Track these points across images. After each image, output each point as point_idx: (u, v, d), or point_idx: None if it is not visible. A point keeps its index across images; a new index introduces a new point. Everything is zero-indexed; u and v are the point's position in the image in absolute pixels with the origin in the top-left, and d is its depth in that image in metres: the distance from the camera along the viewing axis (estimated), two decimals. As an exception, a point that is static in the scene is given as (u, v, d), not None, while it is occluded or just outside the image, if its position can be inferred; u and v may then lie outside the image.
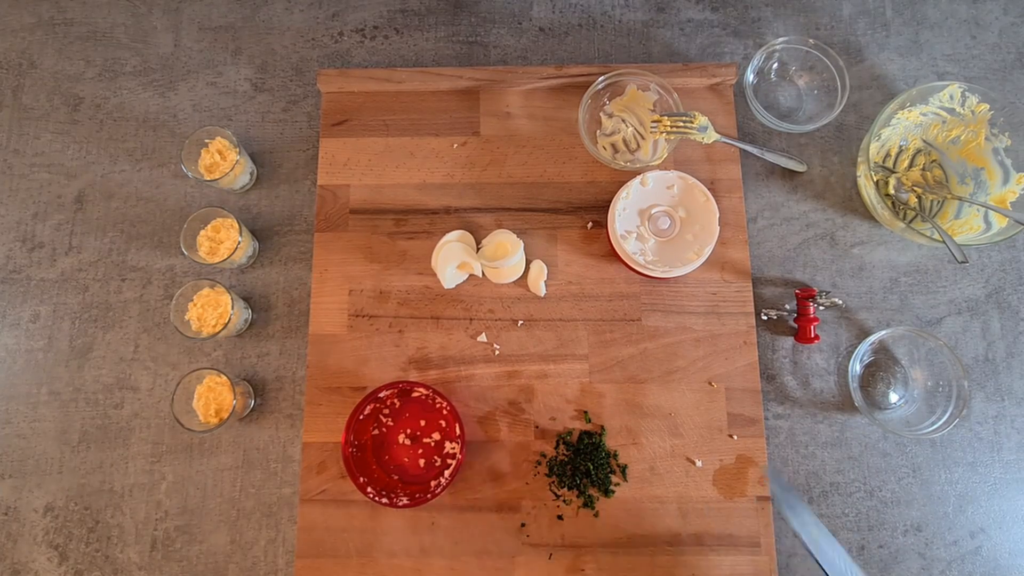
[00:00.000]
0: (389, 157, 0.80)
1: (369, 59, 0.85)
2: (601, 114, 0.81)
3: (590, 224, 0.78)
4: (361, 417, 0.71)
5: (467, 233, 0.76)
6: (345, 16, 0.86)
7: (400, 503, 0.68)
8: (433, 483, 0.69)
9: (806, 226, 0.79)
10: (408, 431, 0.72)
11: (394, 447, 0.72)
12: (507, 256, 0.73)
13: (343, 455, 0.68)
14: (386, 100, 0.81)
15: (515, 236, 0.75)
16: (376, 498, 0.68)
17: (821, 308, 0.75)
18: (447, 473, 0.69)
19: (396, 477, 0.71)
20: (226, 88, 0.84)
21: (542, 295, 0.75)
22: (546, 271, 0.75)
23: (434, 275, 0.76)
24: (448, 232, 0.76)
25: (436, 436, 0.72)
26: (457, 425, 0.69)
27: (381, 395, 0.70)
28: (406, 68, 0.82)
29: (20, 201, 0.81)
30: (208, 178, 0.75)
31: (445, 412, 0.72)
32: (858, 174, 0.78)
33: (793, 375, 0.75)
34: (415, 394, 0.73)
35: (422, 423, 0.72)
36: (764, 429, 0.73)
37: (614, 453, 0.72)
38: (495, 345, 0.75)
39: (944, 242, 0.71)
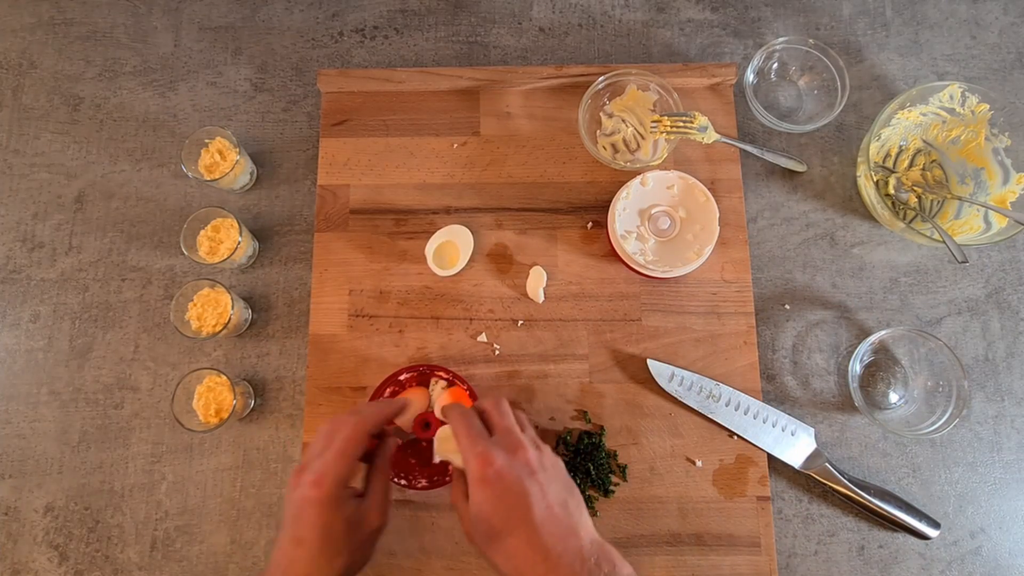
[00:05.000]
0: (389, 157, 0.80)
1: (369, 59, 0.85)
2: (601, 114, 0.81)
3: (590, 224, 0.78)
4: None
5: (463, 228, 0.76)
6: (345, 16, 0.86)
7: (419, 484, 0.68)
8: (451, 467, 0.69)
9: (806, 226, 0.79)
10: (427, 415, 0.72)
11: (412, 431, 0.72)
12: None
13: None
14: (386, 100, 0.81)
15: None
16: (396, 479, 0.68)
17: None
18: None
19: (414, 461, 0.71)
20: (226, 88, 0.84)
21: (540, 301, 0.75)
22: (545, 278, 0.75)
23: (434, 275, 0.76)
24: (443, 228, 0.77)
25: None
26: None
27: (401, 378, 0.71)
28: (406, 68, 0.82)
29: (20, 201, 0.81)
30: (208, 178, 0.75)
31: (465, 397, 0.71)
32: (858, 174, 0.78)
33: (793, 375, 0.75)
34: (435, 379, 0.72)
35: None
36: (764, 429, 0.73)
37: (614, 453, 0.72)
38: (495, 345, 0.75)
39: (944, 242, 0.71)
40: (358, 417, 0.56)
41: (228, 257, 0.73)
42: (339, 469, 0.54)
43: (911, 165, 0.80)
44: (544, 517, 0.50)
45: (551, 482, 0.52)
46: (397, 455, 0.70)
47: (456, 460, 0.57)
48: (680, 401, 0.72)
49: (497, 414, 0.56)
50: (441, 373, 0.71)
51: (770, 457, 0.71)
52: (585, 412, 0.73)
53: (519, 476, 0.51)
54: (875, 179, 0.73)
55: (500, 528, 0.50)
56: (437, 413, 0.70)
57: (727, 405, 0.72)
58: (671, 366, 0.73)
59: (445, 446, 0.58)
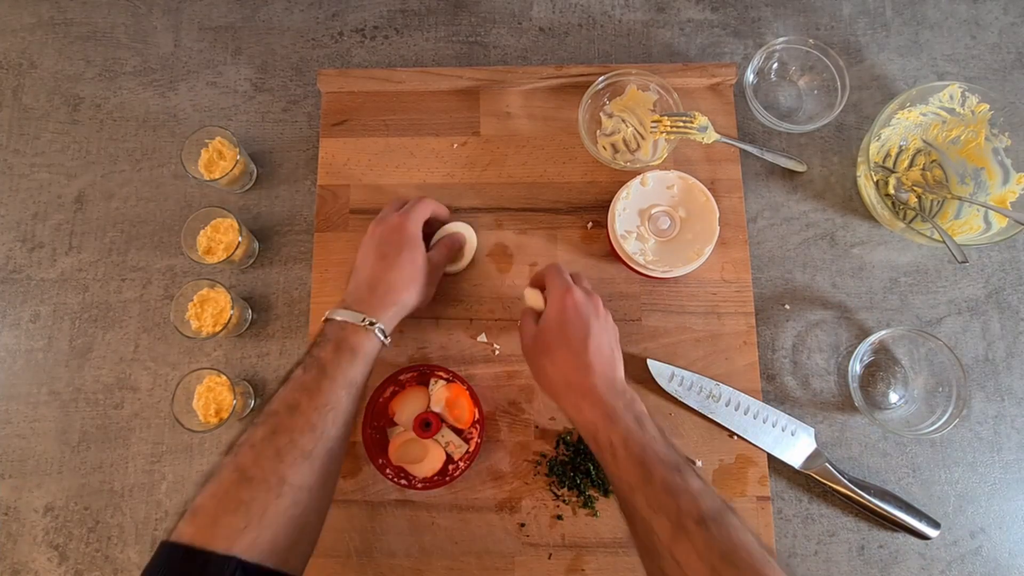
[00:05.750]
0: (389, 157, 0.80)
1: (369, 59, 0.85)
2: (601, 114, 0.81)
3: (590, 224, 0.78)
4: (381, 400, 0.71)
5: (466, 226, 0.76)
6: (345, 16, 0.86)
7: (418, 485, 0.68)
8: (451, 467, 0.69)
9: (806, 226, 0.79)
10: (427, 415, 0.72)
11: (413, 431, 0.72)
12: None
13: (363, 437, 0.68)
14: (386, 100, 0.81)
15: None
16: (395, 479, 0.68)
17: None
18: (465, 457, 0.69)
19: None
20: (226, 88, 0.84)
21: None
22: (542, 299, 0.67)
23: (434, 275, 0.76)
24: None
25: (454, 420, 0.72)
26: (476, 410, 0.69)
27: (401, 378, 0.71)
28: (406, 68, 0.82)
29: (20, 201, 0.81)
30: (208, 178, 0.75)
31: (465, 396, 0.71)
32: (858, 174, 0.78)
33: (793, 375, 0.75)
34: (434, 379, 0.72)
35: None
36: (764, 429, 0.73)
37: (614, 453, 0.72)
38: (495, 345, 0.75)
39: (944, 242, 0.71)
40: (427, 197, 0.72)
41: (228, 257, 0.73)
42: (418, 212, 0.69)
43: (911, 165, 0.80)
44: (596, 346, 0.60)
45: (608, 330, 0.62)
46: (397, 450, 0.70)
47: (537, 305, 0.66)
48: (680, 401, 0.72)
49: (581, 279, 0.66)
50: (441, 373, 0.71)
51: (770, 457, 0.71)
52: (585, 412, 0.73)
53: (587, 312, 0.61)
54: (875, 179, 0.73)
55: (559, 342, 0.60)
56: (437, 410, 0.70)
57: (727, 405, 0.72)
58: (671, 366, 0.73)
59: (531, 298, 0.67)
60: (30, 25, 0.86)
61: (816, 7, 0.86)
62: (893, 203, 0.79)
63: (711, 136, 0.77)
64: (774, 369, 0.75)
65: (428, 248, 0.71)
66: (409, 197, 0.74)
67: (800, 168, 0.79)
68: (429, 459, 0.69)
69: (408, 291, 0.65)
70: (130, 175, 0.81)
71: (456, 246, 0.74)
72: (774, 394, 0.75)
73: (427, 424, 0.69)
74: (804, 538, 0.71)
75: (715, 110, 0.80)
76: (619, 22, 0.86)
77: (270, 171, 0.81)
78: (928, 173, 0.79)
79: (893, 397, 0.75)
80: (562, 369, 0.59)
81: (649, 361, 0.73)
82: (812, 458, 0.71)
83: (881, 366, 0.76)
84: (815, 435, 0.72)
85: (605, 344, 0.61)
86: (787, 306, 0.77)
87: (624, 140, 0.79)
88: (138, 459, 0.74)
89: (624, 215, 0.73)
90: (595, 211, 0.78)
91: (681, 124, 0.76)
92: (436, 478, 0.69)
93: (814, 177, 0.81)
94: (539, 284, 0.67)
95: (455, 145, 0.80)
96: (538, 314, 0.65)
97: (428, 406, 0.71)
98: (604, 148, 0.79)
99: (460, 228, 0.76)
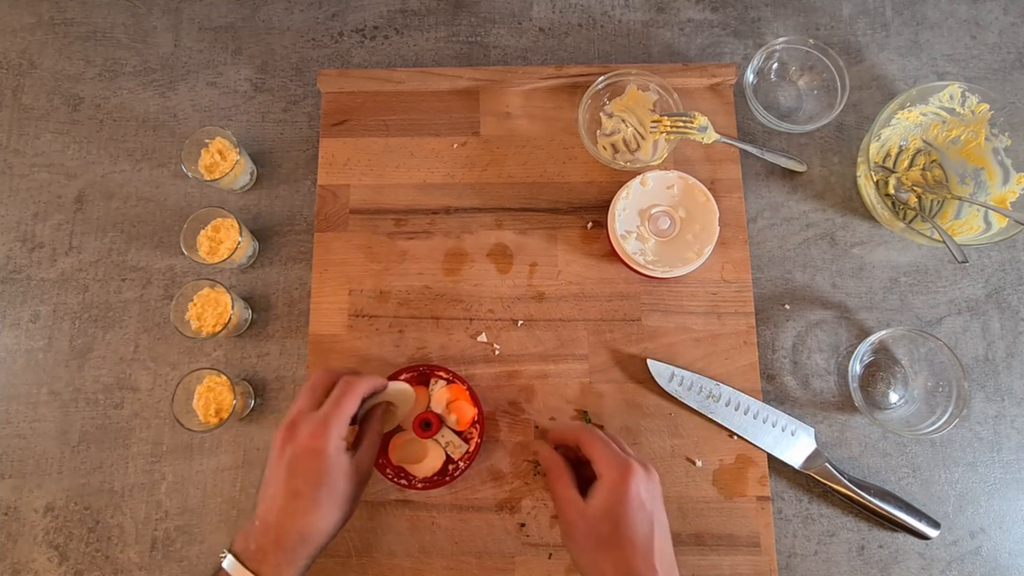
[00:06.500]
0: (389, 157, 0.80)
1: (369, 59, 0.85)
2: (601, 114, 0.81)
3: (590, 224, 0.78)
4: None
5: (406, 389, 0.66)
6: (345, 16, 0.86)
7: (418, 485, 0.68)
8: (451, 467, 0.69)
9: (806, 226, 0.79)
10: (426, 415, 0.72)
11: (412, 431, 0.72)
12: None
13: None
14: (386, 100, 0.81)
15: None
16: (395, 479, 0.68)
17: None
18: (465, 457, 0.69)
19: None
20: (226, 88, 0.84)
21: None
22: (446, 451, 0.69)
23: (434, 275, 0.76)
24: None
25: (454, 420, 0.72)
26: (476, 410, 0.69)
27: (401, 378, 0.71)
28: (406, 68, 0.82)
29: (20, 201, 0.81)
30: (208, 178, 0.75)
31: (465, 396, 0.71)
32: (858, 174, 0.78)
33: (793, 375, 0.75)
34: (435, 379, 0.72)
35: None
36: (764, 429, 0.73)
37: (614, 453, 0.72)
38: (495, 345, 0.75)
39: (944, 242, 0.71)
40: (356, 379, 0.59)
41: (228, 257, 0.73)
42: (339, 423, 0.57)
43: (911, 165, 0.80)
44: (662, 544, 0.53)
45: (665, 516, 0.56)
46: (397, 450, 0.70)
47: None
48: (680, 401, 0.72)
49: (623, 444, 0.59)
50: (441, 373, 0.71)
51: (770, 457, 0.71)
52: (585, 412, 0.73)
53: (651, 497, 0.54)
54: (875, 179, 0.73)
55: (619, 538, 0.52)
56: (438, 411, 0.70)
57: (727, 405, 0.72)
58: (671, 366, 0.73)
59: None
60: (30, 25, 0.86)
61: (816, 7, 0.86)
62: (893, 203, 0.79)
63: (711, 136, 0.77)
64: (774, 369, 0.75)
65: (357, 437, 0.62)
66: (341, 371, 0.60)
67: (800, 168, 0.79)
68: (429, 459, 0.69)
69: (328, 529, 0.55)
70: (130, 175, 0.81)
71: (379, 419, 0.64)
72: (774, 394, 0.75)
73: (427, 424, 0.68)
74: (804, 538, 0.71)
75: (715, 110, 0.80)
76: (619, 22, 0.86)
77: (270, 171, 0.81)
78: (928, 173, 0.79)
79: (893, 397, 0.75)
80: (621, 571, 0.52)
81: (649, 361, 0.73)
82: (812, 458, 0.71)
83: (881, 366, 0.76)
84: (815, 435, 0.72)
85: (668, 538, 0.55)
86: (787, 306, 0.77)
87: (624, 140, 0.79)
88: (138, 459, 0.74)
89: (624, 215, 0.73)
90: (595, 211, 0.78)
91: (681, 124, 0.76)
92: (436, 478, 0.69)
93: (814, 177, 0.81)
94: (562, 442, 0.61)
95: (455, 145, 0.80)
96: (577, 480, 0.57)
97: (428, 406, 0.71)
98: (604, 148, 0.79)
99: (392, 394, 0.65)
